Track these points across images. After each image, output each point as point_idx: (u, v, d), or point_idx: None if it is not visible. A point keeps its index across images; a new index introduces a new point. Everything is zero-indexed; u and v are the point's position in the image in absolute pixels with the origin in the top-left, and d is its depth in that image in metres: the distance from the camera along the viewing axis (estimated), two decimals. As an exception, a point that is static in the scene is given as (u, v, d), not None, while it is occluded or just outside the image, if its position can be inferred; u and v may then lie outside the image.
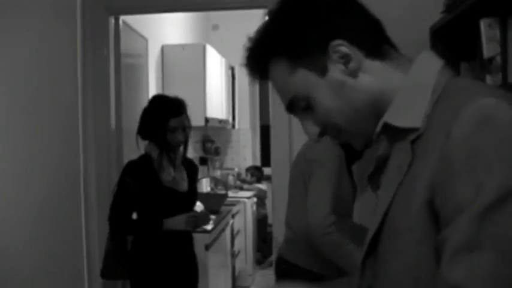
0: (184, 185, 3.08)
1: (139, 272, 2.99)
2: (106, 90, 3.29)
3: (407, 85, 1.05)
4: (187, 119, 3.06)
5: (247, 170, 7.07)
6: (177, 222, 2.95)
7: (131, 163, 3.02)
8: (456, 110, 0.91)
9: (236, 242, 5.74)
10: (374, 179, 1.14)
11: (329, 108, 1.03)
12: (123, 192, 2.94)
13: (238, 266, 5.87)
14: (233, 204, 5.69)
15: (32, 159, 2.29)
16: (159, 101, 3.08)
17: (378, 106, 1.05)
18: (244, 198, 6.21)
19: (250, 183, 6.80)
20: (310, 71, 1.04)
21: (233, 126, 7.16)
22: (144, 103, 3.68)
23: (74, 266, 2.89)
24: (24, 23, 2.17)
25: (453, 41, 2.96)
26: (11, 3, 2.12)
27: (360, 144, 1.10)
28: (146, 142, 3.08)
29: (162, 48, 5.25)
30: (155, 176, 2.97)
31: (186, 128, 3.03)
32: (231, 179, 6.93)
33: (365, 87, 1.05)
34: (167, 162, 3.01)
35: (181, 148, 3.11)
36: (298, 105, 1.06)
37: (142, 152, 3.08)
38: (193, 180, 3.19)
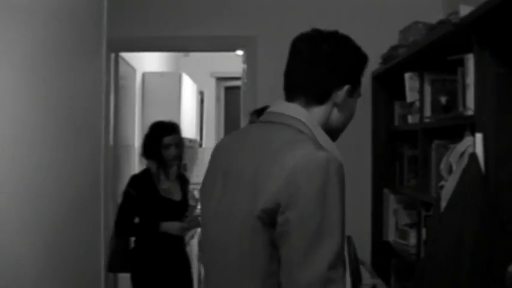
0: (178, 195, 3.73)
1: (139, 267, 3.60)
2: (107, 112, 3.96)
3: None
4: (180, 137, 3.74)
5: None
6: (172, 227, 3.56)
7: (134, 177, 3.70)
8: None
9: (202, 248, 6.37)
10: None
11: None
12: (127, 201, 3.58)
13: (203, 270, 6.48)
14: (199, 215, 6.31)
15: (62, 165, 2.74)
16: (155, 124, 3.75)
17: None
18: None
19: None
20: None
21: (200, 145, 7.83)
22: (132, 124, 4.34)
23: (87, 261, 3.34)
24: (57, 60, 2.66)
25: (389, 85, 3.74)
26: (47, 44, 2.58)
27: None
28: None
29: (143, 76, 5.93)
30: (154, 187, 3.60)
31: (178, 145, 3.71)
32: (196, 193, 7.57)
33: None
34: (163, 175, 3.66)
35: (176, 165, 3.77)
36: None
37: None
38: (185, 191, 3.84)
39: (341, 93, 1.58)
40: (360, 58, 1.65)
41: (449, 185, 2.29)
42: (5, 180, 1.88)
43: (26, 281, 2.06)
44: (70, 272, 2.60)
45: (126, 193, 3.62)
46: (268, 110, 1.66)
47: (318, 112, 1.60)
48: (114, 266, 3.67)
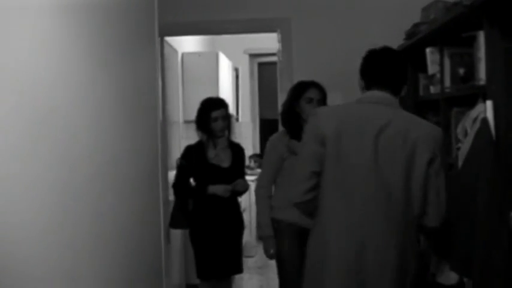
0: (227, 163, 4.13)
1: (196, 225, 4.12)
2: (156, 92, 4.35)
3: None
4: (227, 111, 4.14)
5: (251, 157, 8.05)
6: (217, 188, 4.01)
7: (188, 147, 4.19)
8: None
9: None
10: None
11: None
12: (180, 169, 4.15)
13: (244, 238, 6.89)
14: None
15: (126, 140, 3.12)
16: (205, 100, 4.19)
17: None
18: (249, 181, 7.22)
19: (252, 168, 7.83)
20: None
21: (237, 119, 8.18)
22: (177, 102, 4.73)
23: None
24: (117, 49, 3.04)
25: (414, 59, 4.03)
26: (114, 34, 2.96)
27: None
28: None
29: (182, 56, 6.29)
30: (204, 156, 4.08)
31: (226, 118, 4.10)
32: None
33: None
34: (212, 145, 4.10)
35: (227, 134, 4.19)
36: None
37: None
38: (237, 159, 4.23)
39: (405, 89, 2.58)
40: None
41: (464, 147, 2.63)
42: (84, 152, 2.29)
43: (104, 232, 2.50)
44: (136, 229, 3.05)
45: (178, 161, 4.21)
46: (373, 95, 2.53)
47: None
48: (175, 223, 4.25)
